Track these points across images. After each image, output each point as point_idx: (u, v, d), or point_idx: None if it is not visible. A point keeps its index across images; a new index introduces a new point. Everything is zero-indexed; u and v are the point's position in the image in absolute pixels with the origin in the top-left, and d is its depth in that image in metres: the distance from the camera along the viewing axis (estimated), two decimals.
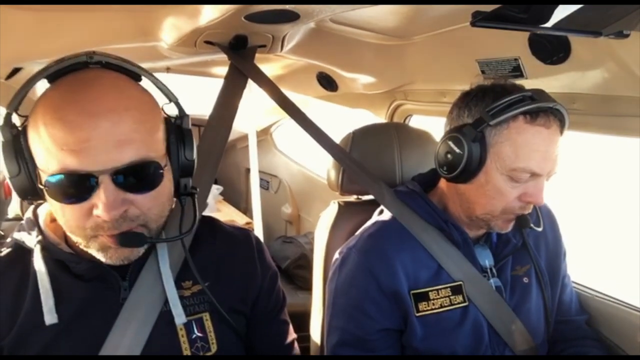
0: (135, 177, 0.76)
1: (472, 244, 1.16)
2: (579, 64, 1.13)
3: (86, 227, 0.78)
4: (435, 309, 1.11)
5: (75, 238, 0.82)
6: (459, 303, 1.12)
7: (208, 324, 0.92)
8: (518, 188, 1.04)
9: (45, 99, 0.77)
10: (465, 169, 1.05)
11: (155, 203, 0.81)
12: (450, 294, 1.12)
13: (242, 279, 0.99)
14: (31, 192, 0.80)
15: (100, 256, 0.81)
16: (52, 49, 1.48)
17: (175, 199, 0.91)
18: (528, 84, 1.21)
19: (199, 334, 0.91)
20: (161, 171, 0.80)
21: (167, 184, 0.83)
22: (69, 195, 0.75)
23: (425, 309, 1.11)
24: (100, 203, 0.74)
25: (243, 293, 0.99)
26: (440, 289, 1.12)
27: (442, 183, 1.20)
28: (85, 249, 0.82)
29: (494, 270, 1.16)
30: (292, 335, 1.09)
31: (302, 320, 1.35)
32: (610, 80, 1.12)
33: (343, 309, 1.16)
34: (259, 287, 1.01)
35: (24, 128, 0.78)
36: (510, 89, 1.05)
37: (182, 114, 0.88)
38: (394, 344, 1.14)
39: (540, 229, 1.16)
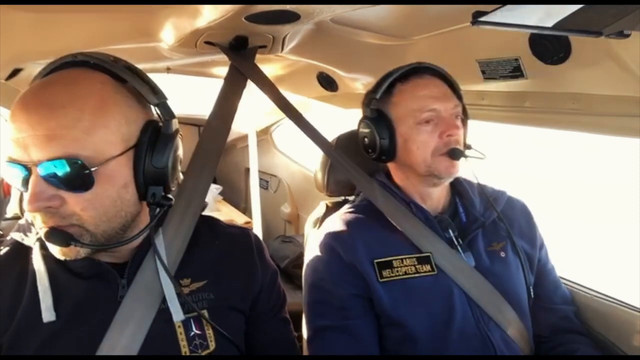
0: (59, 173, 0.76)
1: (434, 220, 1.23)
2: (579, 64, 1.13)
3: (34, 217, 0.80)
4: (399, 275, 1.16)
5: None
6: (426, 272, 1.17)
7: (206, 322, 0.92)
8: (434, 130, 1.18)
9: None
10: (382, 144, 1.22)
11: (91, 205, 0.79)
12: (415, 262, 1.17)
13: (241, 277, 1.00)
14: None
15: (52, 250, 0.82)
16: (52, 50, 1.47)
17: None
18: (528, 83, 1.21)
19: (197, 332, 0.91)
20: (87, 172, 0.77)
21: (110, 187, 0.81)
22: (15, 183, 0.78)
23: (388, 275, 1.16)
24: (28, 193, 0.76)
25: (243, 291, 0.99)
26: (405, 258, 1.18)
27: (388, 167, 1.33)
28: None
29: (459, 241, 1.21)
30: (293, 332, 1.10)
31: (300, 320, 1.35)
32: (610, 80, 1.12)
33: (314, 283, 1.23)
34: (260, 285, 1.02)
35: None
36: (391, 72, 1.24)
37: (166, 117, 0.86)
38: (368, 311, 1.18)
39: (482, 158, 1.23)
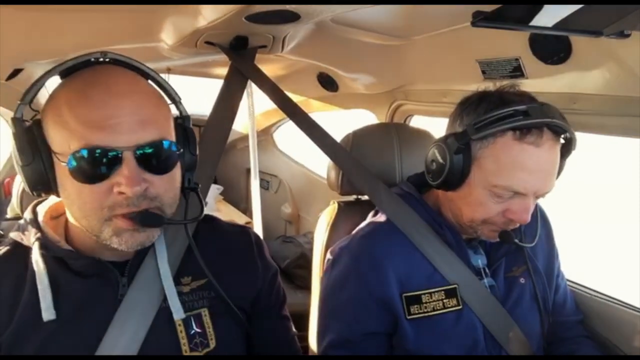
0: (155, 155, 0.79)
1: (465, 246, 1.15)
2: (579, 64, 1.13)
3: (104, 207, 0.78)
4: (427, 312, 1.10)
5: (88, 224, 0.81)
6: (452, 307, 1.10)
7: (207, 320, 0.92)
8: (502, 204, 1.03)
9: (66, 87, 0.81)
10: (447, 179, 1.05)
11: (170, 187, 0.84)
12: (444, 297, 1.10)
13: (242, 275, 1.00)
14: (42, 182, 0.81)
15: (114, 241, 0.81)
16: (52, 50, 1.48)
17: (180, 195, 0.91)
18: (528, 84, 1.21)
19: (198, 330, 0.91)
20: (178, 153, 0.84)
21: (178, 171, 0.87)
22: (90, 172, 0.76)
23: (417, 312, 1.09)
24: (124, 178, 0.76)
25: (243, 289, 0.99)
26: (434, 292, 1.10)
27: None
28: (96, 235, 0.82)
29: (487, 271, 1.16)
30: (293, 330, 1.10)
31: (301, 320, 1.35)
32: (610, 80, 1.12)
33: (332, 310, 1.17)
34: (260, 284, 1.02)
35: (36, 120, 0.81)
36: (508, 100, 1.01)
37: (184, 114, 0.93)
38: (381, 346, 1.14)
39: (531, 245, 1.15)
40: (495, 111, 0.99)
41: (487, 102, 1.03)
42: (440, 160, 1.05)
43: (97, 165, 0.76)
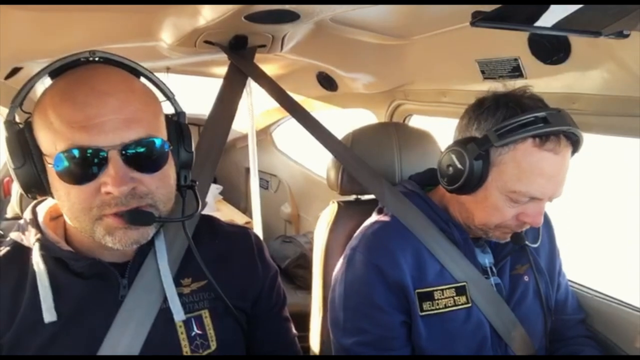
0: (143, 154, 0.79)
1: (472, 244, 1.16)
2: (579, 64, 1.13)
3: (92, 206, 0.78)
4: (439, 309, 1.10)
5: (80, 225, 0.81)
6: (462, 304, 1.11)
7: (207, 321, 0.92)
8: (516, 208, 1.04)
9: (52, 88, 0.81)
10: (465, 184, 1.05)
11: (162, 184, 0.83)
12: (454, 294, 1.11)
13: (242, 276, 1.00)
14: (35, 184, 0.81)
15: (107, 240, 0.81)
16: (52, 49, 1.48)
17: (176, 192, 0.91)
18: (528, 84, 1.21)
19: (198, 331, 0.91)
20: (167, 150, 0.83)
21: (171, 168, 0.86)
22: (77, 172, 0.76)
23: (429, 308, 1.10)
24: (110, 178, 0.76)
25: (243, 290, 0.99)
26: (445, 289, 1.11)
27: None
28: (90, 236, 0.81)
29: (494, 269, 1.17)
30: (293, 331, 1.10)
31: (301, 320, 1.35)
32: (610, 80, 1.12)
33: (357, 308, 1.15)
34: (261, 285, 1.02)
35: (28, 123, 0.81)
36: (525, 106, 1.02)
37: (178, 110, 0.92)
38: (409, 342, 1.13)
39: (536, 245, 1.17)
40: (516, 118, 0.99)
41: (504, 107, 1.03)
42: (459, 166, 1.05)
43: (83, 166, 0.76)
